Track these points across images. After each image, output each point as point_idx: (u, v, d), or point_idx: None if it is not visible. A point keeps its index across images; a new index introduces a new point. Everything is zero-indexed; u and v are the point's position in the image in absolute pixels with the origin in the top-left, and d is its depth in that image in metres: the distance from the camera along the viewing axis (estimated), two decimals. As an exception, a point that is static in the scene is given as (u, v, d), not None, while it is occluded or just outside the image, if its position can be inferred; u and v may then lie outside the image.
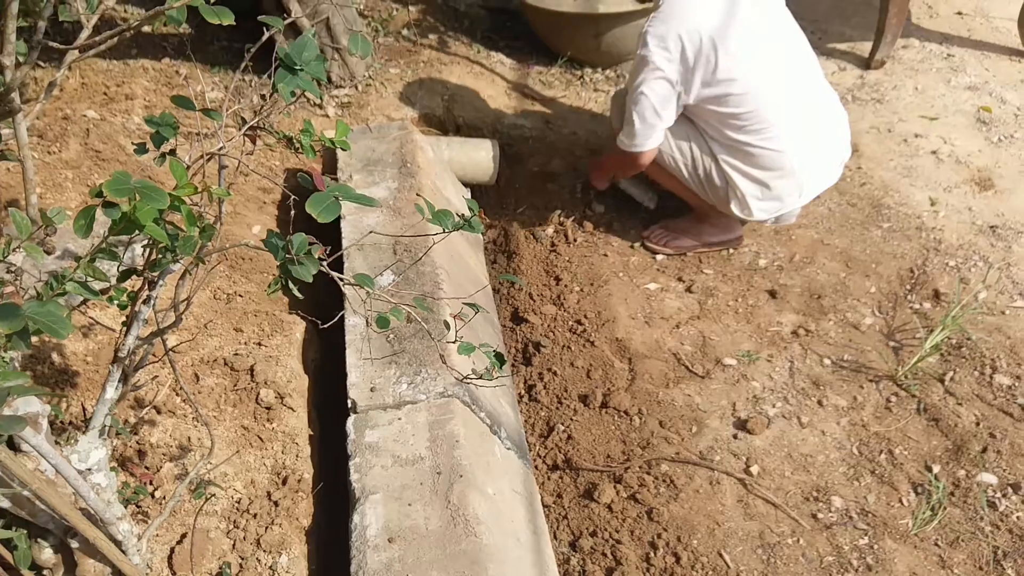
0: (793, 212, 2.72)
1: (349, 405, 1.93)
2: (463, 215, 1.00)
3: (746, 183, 2.58)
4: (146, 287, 1.11)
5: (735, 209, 2.65)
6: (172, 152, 0.96)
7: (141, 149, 1.00)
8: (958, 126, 3.35)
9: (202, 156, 0.99)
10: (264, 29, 1.12)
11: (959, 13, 4.03)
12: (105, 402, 1.21)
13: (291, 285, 0.89)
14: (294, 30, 3.11)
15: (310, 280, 0.88)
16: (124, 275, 1.05)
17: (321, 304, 2.42)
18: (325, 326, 1.35)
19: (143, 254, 1.09)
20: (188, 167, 0.94)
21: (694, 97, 2.47)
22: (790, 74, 2.54)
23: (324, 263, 0.92)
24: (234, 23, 0.90)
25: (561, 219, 3.04)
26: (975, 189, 3.06)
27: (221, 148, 0.96)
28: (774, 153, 2.52)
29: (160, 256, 1.02)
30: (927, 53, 3.76)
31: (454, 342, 1.09)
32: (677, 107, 2.51)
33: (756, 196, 2.60)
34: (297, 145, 2.98)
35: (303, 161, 3.15)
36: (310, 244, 0.91)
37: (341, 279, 0.97)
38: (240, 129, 1.11)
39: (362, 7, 3.62)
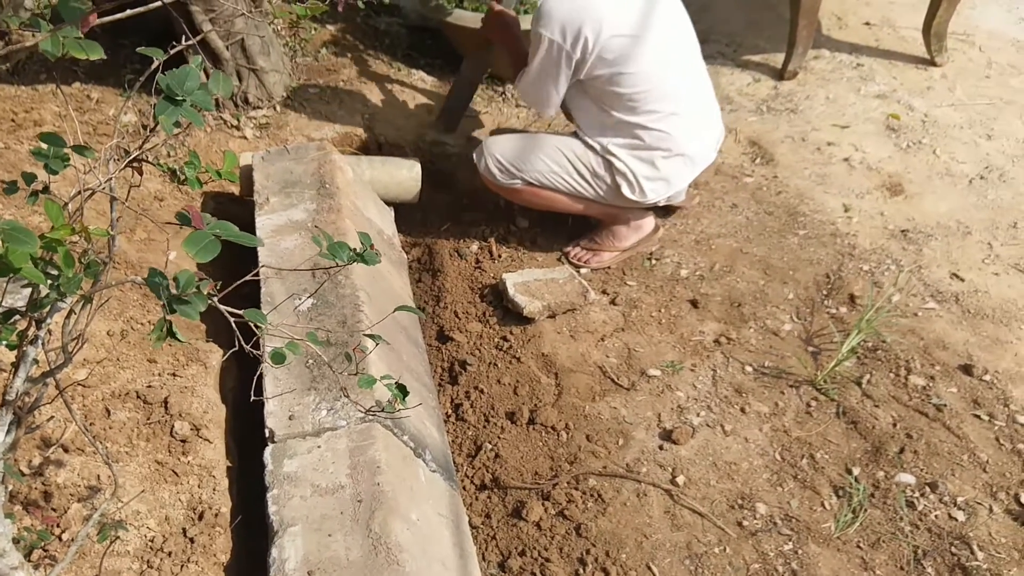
0: (681, 192, 2.91)
1: (267, 434, 1.89)
2: (355, 249, 0.98)
3: (636, 163, 2.68)
4: (33, 326, 1.07)
5: (628, 193, 2.73)
6: (45, 189, 0.93)
7: (12, 187, 0.96)
8: (869, 133, 3.45)
9: (80, 192, 0.95)
10: (170, 50, 1.10)
11: (867, 24, 4.15)
12: (-4, 447, 1.15)
13: (174, 331, 0.86)
14: (208, 51, 3.05)
15: (196, 319, 0.85)
16: (5, 316, 1.01)
17: (241, 328, 2.36)
18: (225, 357, 1.31)
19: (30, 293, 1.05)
20: (65, 204, 0.91)
21: (585, 75, 2.57)
22: (678, 57, 2.68)
23: (214, 299, 0.90)
24: (104, 57, 0.88)
25: (485, 235, 3.03)
26: (886, 195, 3.15)
27: (100, 185, 0.93)
28: (663, 134, 2.64)
29: (45, 295, 0.98)
30: (837, 63, 3.87)
31: (355, 374, 1.07)
32: (570, 81, 2.63)
33: (647, 176, 2.70)
34: (182, 177, 2.93)
35: (221, 184, 3.09)
36: (199, 279, 0.89)
37: (231, 314, 0.95)
38: (130, 159, 1.07)
39: (279, 27, 3.58)
